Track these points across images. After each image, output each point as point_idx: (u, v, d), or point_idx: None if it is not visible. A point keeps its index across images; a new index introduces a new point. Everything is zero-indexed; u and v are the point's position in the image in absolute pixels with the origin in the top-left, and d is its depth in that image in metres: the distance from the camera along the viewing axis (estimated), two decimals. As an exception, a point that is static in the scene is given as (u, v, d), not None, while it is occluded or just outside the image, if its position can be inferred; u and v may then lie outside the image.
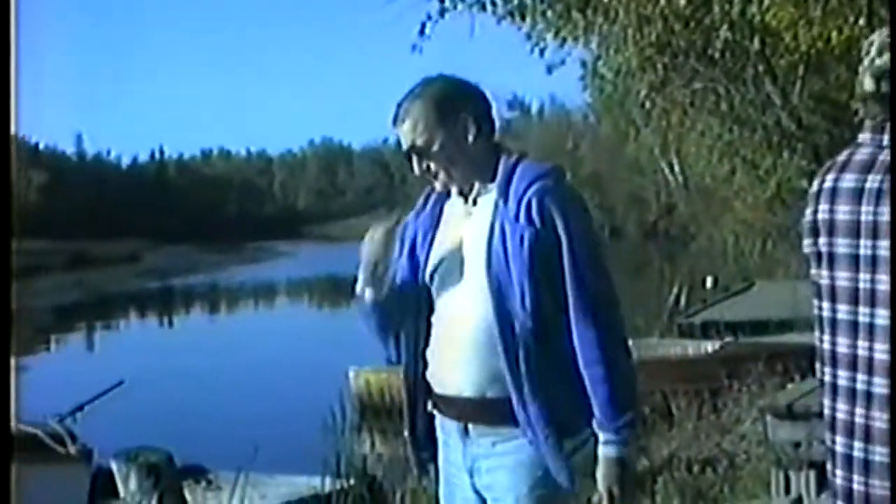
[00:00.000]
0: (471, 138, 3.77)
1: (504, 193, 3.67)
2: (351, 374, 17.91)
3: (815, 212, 3.23)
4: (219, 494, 9.82)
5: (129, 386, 12.94)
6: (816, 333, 3.26)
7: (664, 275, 48.91)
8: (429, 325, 3.83)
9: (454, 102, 3.80)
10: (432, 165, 3.79)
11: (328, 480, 9.72)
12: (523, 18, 12.95)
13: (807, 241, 3.26)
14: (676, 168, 55.40)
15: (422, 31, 12.72)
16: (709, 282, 32.96)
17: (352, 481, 9.72)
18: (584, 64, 15.56)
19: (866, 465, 3.11)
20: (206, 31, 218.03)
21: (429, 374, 3.80)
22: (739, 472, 9.22)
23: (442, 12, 12.59)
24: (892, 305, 3.01)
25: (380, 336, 3.93)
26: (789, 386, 9.87)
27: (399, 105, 3.82)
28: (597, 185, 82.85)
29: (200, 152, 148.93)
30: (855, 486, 3.13)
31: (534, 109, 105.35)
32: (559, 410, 3.59)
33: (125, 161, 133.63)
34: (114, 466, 7.42)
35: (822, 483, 7.58)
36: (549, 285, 3.58)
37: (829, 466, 3.25)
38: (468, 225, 3.76)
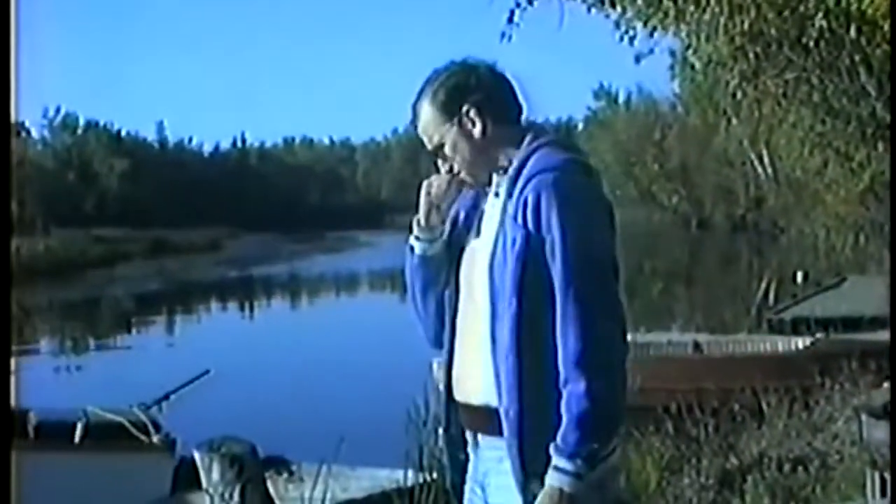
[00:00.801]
0: (477, 132, 3.59)
1: (510, 188, 3.47)
2: (434, 366, 17.91)
3: None
4: (300, 486, 9.85)
5: (211, 376, 13.00)
6: None
7: (753, 269, 48.49)
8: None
9: (455, 96, 3.61)
10: (454, 165, 3.64)
11: (410, 474, 9.71)
12: (613, 6, 12.89)
13: None
14: (766, 160, 55.24)
15: (510, 19, 12.70)
16: (799, 277, 32.65)
17: (434, 475, 9.71)
18: (672, 53, 15.52)
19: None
20: (290, 20, 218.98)
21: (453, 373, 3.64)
22: (832, 473, 9.12)
23: (531, 0, 12.57)
24: (892, 305, 3.04)
25: (422, 302, 3.76)
26: (885, 385, 9.75)
27: (412, 107, 3.69)
28: (685, 177, 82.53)
29: (283, 140, 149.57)
30: None
31: (621, 99, 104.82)
32: (535, 436, 3.34)
33: (207, 149, 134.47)
34: (196, 456, 7.47)
35: (919, 485, 7.47)
36: (540, 294, 3.35)
37: None
38: (486, 220, 3.59)
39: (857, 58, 13.59)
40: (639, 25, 13.28)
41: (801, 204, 40.22)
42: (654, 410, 12.07)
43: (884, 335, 18.02)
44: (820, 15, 12.07)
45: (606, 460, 3.29)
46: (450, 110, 3.61)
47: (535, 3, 12.59)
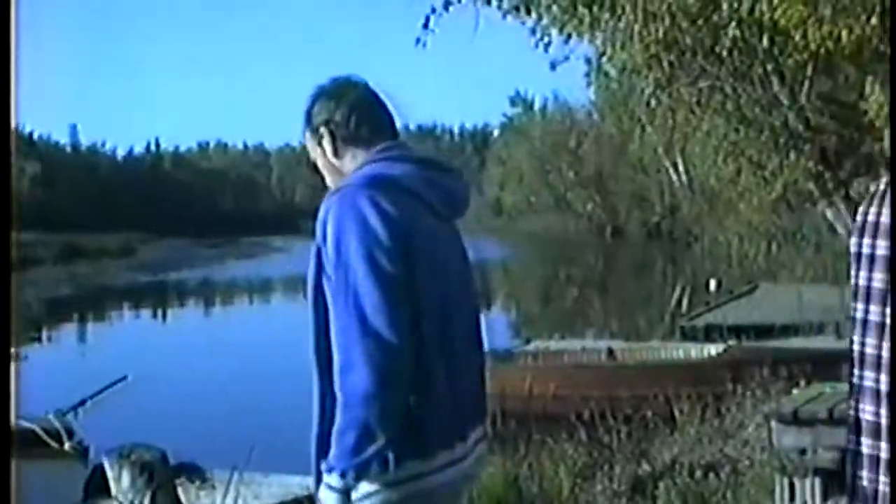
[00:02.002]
0: (329, 152, 3.63)
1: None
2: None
3: (866, 213, 3.29)
4: (212, 493, 9.80)
5: (127, 382, 12.91)
6: (851, 336, 3.30)
7: (667, 276, 48.88)
8: None
9: (316, 116, 3.66)
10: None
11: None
12: (528, 13, 12.92)
13: (853, 241, 3.31)
14: (681, 168, 55.71)
15: (426, 25, 12.70)
16: (712, 284, 32.97)
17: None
18: (588, 60, 15.55)
19: (893, 466, 3.15)
20: (204, 23, 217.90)
21: None
22: (742, 479, 9.21)
23: (446, 6, 12.57)
24: (892, 305, 3.06)
25: None
26: (794, 391, 9.84)
27: None
28: (600, 185, 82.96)
29: (197, 145, 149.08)
30: (881, 488, 3.16)
31: (537, 106, 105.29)
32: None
33: (120, 153, 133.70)
34: (106, 464, 7.40)
35: (828, 490, 7.57)
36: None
37: (850, 469, 3.27)
38: None
39: (769, 67, 13.73)
40: (554, 32, 13.33)
41: (715, 212, 40.61)
42: (568, 418, 12.15)
43: (794, 342, 18.28)
44: (733, 24, 12.18)
45: (381, 478, 3.31)
46: (312, 129, 3.66)
47: (451, 10, 12.59)
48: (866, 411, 3.23)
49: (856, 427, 3.26)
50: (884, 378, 3.19)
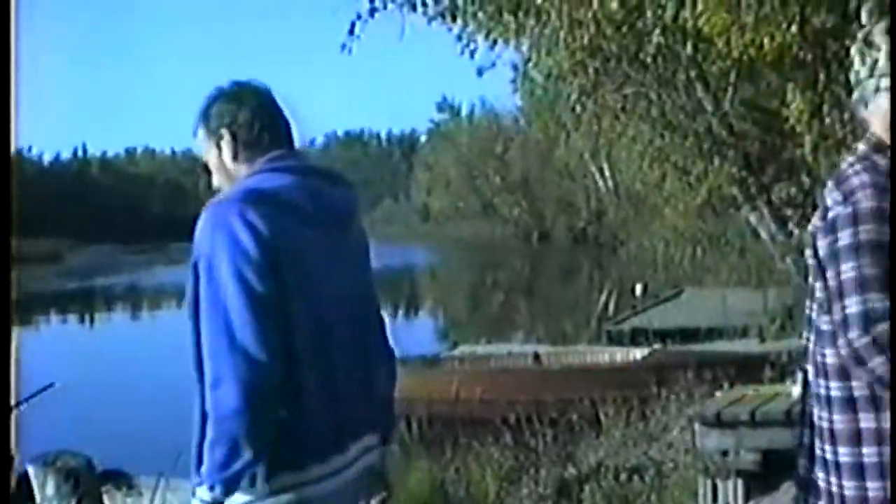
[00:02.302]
0: (228, 157, 3.61)
1: None
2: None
3: (814, 223, 3.38)
4: (139, 500, 9.71)
5: (55, 388, 12.74)
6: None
7: (593, 281, 49.06)
8: None
9: (215, 120, 3.62)
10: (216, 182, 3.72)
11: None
12: (454, 20, 12.91)
13: (808, 252, 3.38)
14: (607, 173, 56.06)
15: (351, 31, 12.66)
16: (638, 289, 33.13)
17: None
18: (515, 67, 15.59)
19: (837, 467, 3.23)
20: (131, 26, 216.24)
21: None
22: (667, 481, 9.27)
23: (372, 12, 12.54)
24: (892, 307, 3.12)
25: None
26: (717, 394, 9.93)
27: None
28: (526, 190, 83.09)
29: (125, 150, 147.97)
30: (833, 489, 3.28)
31: (464, 112, 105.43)
32: None
33: (47, 158, 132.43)
34: (30, 471, 7.31)
35: (750, 491, 7.64)
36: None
37: (805, 465, 3.37)
38: None
39: (693, 74, 13.83)
40: (480, 39, 13.35)
41: (641, 217, 40.88)
42: (494, 421, 12.17)
43: (719, 345, 18.41)
44: (657, 31, 12.24)
45: (252, 491, 3.32)
46: (210, 131, 3.62)
47: (377, 16, 12.56)
48: (814, 414, 3.32)
49: (810, 430, 3.34)
50: (821, 381, 3.28)
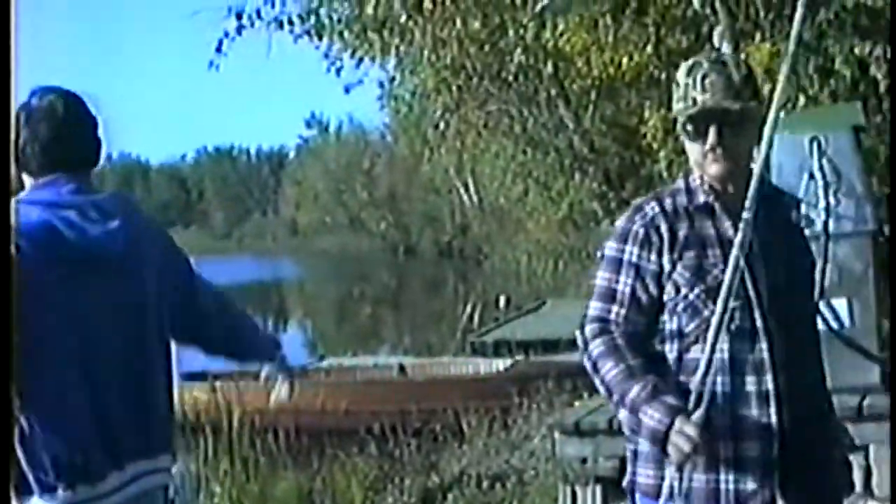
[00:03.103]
0: (34, 166, 3.50)
1: None
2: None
3: None
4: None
5: None
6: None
7: (458, 294, 49.18)
8: None
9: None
10: None
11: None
12: (320, 38, 12.88)
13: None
14: (471, 188, 56.15)
15: (219, 48, 12.57)
16: (502, 301, 33.31)
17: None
18: (381, 84, 15.63)
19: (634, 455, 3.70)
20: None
21: None
22: (528, 488, 9.33)
23: (239, 30, 12.45)
24: (892, 307, 3.43)
25: None
26: (577, 403, 10.02)
27: None
28: (393, 205, 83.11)
29: None
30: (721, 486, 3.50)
31: (332, 128, 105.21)
32: None
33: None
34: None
35: (608, 498, 7.72)
36: None
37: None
38: None
39: (554, 92, 13.98)
40: (346, 57, 13.37)
41: (504, 231, 41.08)
42: (359, 432, 12.17)
43: (579, 356, 18.54)
44: (519, 50, 12.37)
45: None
46: None
47: (244, 34, 12.48)
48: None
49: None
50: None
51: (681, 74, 3.62)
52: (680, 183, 3.67)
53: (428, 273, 62.86)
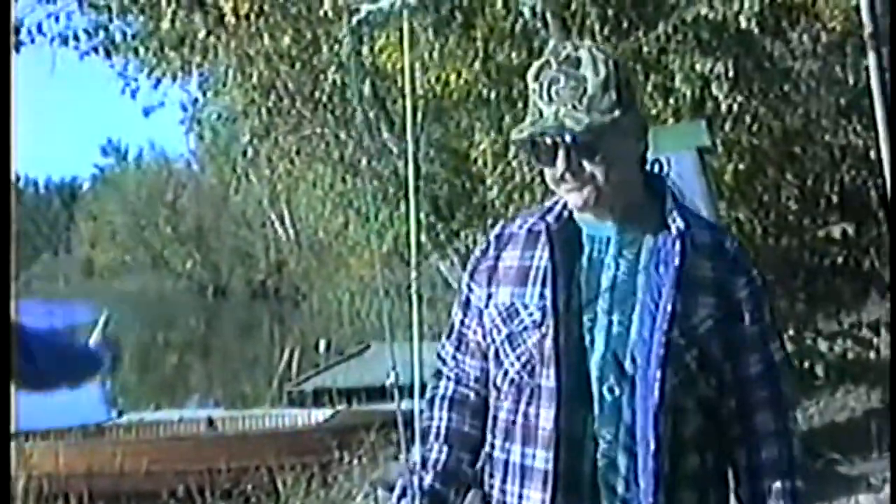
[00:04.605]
0: None
1: None
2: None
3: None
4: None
5: None
6: None
7: (275, 338, 48.93)
8: None
9: None
10: None
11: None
12: (109, 55, 12.68)
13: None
14: (287, 221, 56.02)
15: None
16: (321, 345, 33.20)
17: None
18: (184, 107, 15.48)
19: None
20: None
21: None
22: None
23: (17, 46, 12.18)
24: (893, 310, 3.36)
25: None
26: (402, 457, 9.99)
27: None
28: (200, 240, 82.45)
29: None
30: None
31: (131, 156, 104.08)
32: None
33: None
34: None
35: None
36: None
37: None
38: None
39: (373, 114, 13.95)
40: (143, 77, 13.21)
41: (324, 267, 41.05)
42: (161, 495, 12.01)
43: (406, 404, 18.54)
44: (333, 69, 12.34)
45: None
46: None
47: (23, 51, 12.21)
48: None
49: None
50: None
51: (530, 79, 3.16)
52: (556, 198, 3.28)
53: (240, 316, 62.41)
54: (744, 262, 3.25)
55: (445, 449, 3.34)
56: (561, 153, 3.07)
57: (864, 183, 16.11)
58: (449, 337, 3.44)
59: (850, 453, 10.05)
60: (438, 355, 3.49)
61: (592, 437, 3.08)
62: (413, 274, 5.12)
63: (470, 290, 3.37)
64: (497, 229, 3.36)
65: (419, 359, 3.93)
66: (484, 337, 3.31)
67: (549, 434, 3.07)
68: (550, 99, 3.07)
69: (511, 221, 3.36)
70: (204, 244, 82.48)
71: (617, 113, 3.05)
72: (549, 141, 3.08)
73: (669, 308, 3.07)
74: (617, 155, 3.09)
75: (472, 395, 3.37)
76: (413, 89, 12.30)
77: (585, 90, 3.05)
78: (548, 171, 3.14)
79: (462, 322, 3.41)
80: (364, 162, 14.76)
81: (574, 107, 3.04)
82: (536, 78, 3.12)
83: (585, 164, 3.07)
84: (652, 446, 3.01)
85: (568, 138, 3.05)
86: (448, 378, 3.44)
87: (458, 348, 3.41)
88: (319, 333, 36.97)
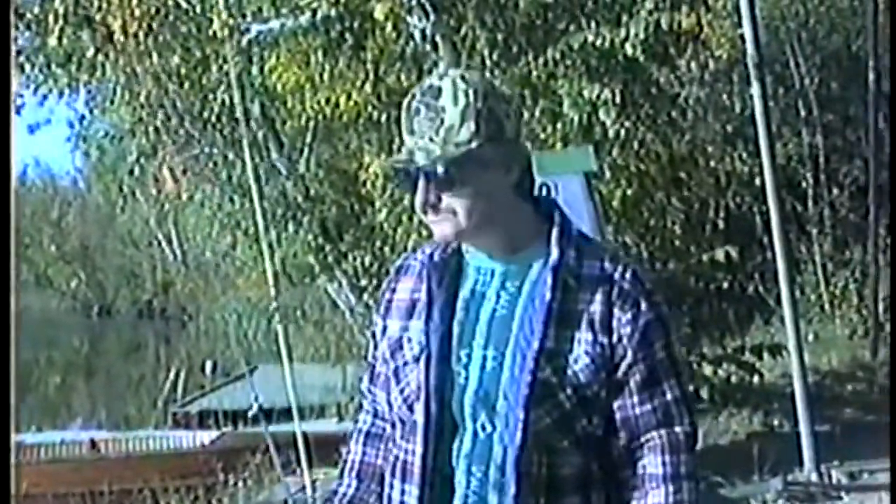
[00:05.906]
0: None
1: None
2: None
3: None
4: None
5: None
6: None
7: (160, 359, 48.53)
8: None
9: None
10: None
11: None
12: (-7, 71, 12.59)
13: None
14: (174, 241, 55.68)
15: None
16: (208, 366, 33.01)
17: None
18: (71, 124, 15.37)
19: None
20: None
21: None
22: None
23: None
24: (893, 311, 3.31)
25: None
26: (288, 479, 10.00)
27: None
28: (85, 260, 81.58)
29: None
30: None
31: (14, 173, 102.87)
32: None
33: None
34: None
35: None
36: None
37: None
38: None
39: (262, 135, 13.95)
40: (28, 94, 13.11)
41: (211, 288, 40.83)
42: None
43: (290, 426, 18.48)
44: (222, 88, 12.33)
45: None
46: None
47: None
48: None
49: None
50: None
51: (403, 108, 3.06)
52: None
53: (125, 336, 61.80)
54: (635, 295, 3.06)
55: (354, 483, 3.32)
56: (421, 185, 2.99)
57: (749, 208, 16.43)
58: (368, 370, 3.37)
59: (732, 476, 10.23)
60: (360, 388, 3.45)
61: (466, 473, 3.04)
62: (273, 304, 5.17)
63: (374, 323, 3.31)
64: (399, 260, 3.29)
65: (292, 382, 3.96)
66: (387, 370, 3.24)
67: (418, 470, 3.05)
68: (412, 131, 2.99)
69: (413, 252, 3.28)
70: (89, 263, 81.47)
71: (474, 144, 2.96)
72: (411, 172, 3.01)
73: (537, 345, 2.98)
74: (479, 187, 3.00)
75: (388, 427, 3.30)
76: (303, 110, 12.34)
77: (443, 121, 2.96)
78: (416, 203, 3.05)
79: (373, 355, 3.32)
80: (252, 182, 14.76)
81: (431, 139, 2.95)
82: (407, 109, 3.02)
83: (445, 196, 2.99)
84: (512, 489, 2.96)
85: (429, 168, 2.97)
86: (367, 411, 3.40)
87: (371, 381, 3.35)
88: (206, 354, 36.73)
